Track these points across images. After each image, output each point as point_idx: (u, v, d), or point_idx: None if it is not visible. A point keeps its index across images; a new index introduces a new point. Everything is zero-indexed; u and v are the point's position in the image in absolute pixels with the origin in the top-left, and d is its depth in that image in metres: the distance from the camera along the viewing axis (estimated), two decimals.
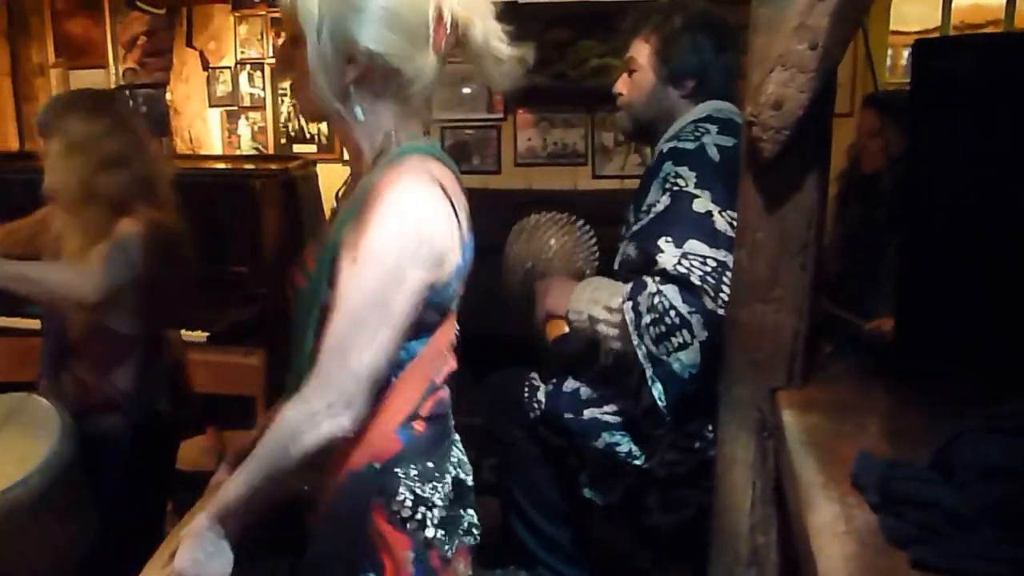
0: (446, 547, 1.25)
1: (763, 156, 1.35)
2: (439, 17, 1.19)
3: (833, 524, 0.92)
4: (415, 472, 1.24)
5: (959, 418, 1.05)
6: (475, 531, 1.32)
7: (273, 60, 3.91)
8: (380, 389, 1.21)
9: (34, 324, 3.27)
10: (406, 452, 1.24)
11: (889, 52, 3.59)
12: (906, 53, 3.56)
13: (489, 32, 1.22)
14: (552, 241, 2.11)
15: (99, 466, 1.90)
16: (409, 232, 1.15)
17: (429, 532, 1.23)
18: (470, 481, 1.33)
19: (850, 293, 2.81)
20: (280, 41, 1.27)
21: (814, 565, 0.86)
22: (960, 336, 1.36)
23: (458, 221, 1.22)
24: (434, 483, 1.25)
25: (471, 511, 1.32)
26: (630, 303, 1.73)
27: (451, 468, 1.30)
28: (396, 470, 1.23)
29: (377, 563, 1.22)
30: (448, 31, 1.21)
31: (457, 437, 1.36)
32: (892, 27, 3.53)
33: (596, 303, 1.84)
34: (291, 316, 1.32)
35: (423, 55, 1.20)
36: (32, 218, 2.22)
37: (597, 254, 2.18)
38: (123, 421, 1.98)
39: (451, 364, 1.32)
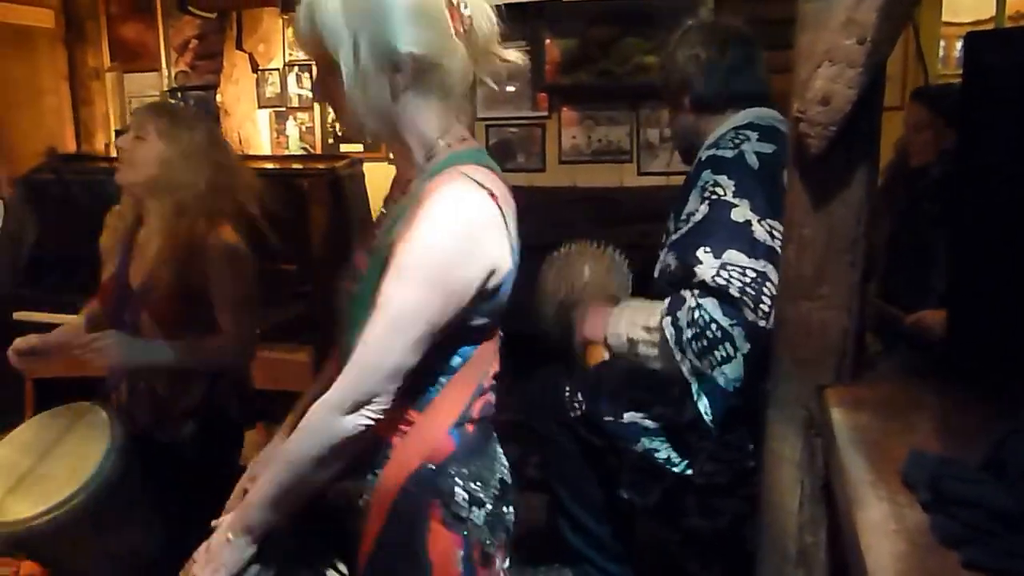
0: (489, 543, 1.28)
1: (810, 152, 1.34)
2: (450, 4, 1.19)
3: (883, 523, 0.91)
4: (467, 472, 1.27)
5: (1011, 417, 1.03)
6: (511, 527, 1.35)
7: None
8: (432, 391, 1.26)
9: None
10: (459, 452, 1.27)
11: (942, 44, 3.52)
12: (959, 45, 3.49)
13: (492, 32, 1.23)
14: (585, 270, 2.12)
15: (171, 473, 1.94)
16: (459, 240, 1.17)
17: (477, 530, 1.26)
18: (510, 479, 1.36)
19: (895, 287, 2.77)
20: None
21: (863, 564, 0.85)
22: (1012, 334, 1.34)
23: (507, 228, 1.23)
24: (483, 482, 1.28)
25: (511, 508, 1.35)
26: (669, 318, 1.71)
27: (498, 467, 1.33)
28: (450, 470, 1.26)
29: (429, 562, 1.25)
30: (462, 17, 1.20)
31: (495, 436, 1.39)
32: (944, 18, 3.46)
33: (634, 325, 1.83)
34: (340, 319, 1.34)
35: (453, 44, 1.21)
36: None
37: (630, 279, 2.18)
38: (196, 428, 2.03)
39: (496, 367, 1.34)
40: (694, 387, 1.69)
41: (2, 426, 3.08)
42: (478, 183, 1.19)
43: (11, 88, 4.27)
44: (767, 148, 1.79)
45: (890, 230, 2.89)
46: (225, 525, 1.30)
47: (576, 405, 2.02)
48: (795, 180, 1.40)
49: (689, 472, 1.85)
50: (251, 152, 4.46)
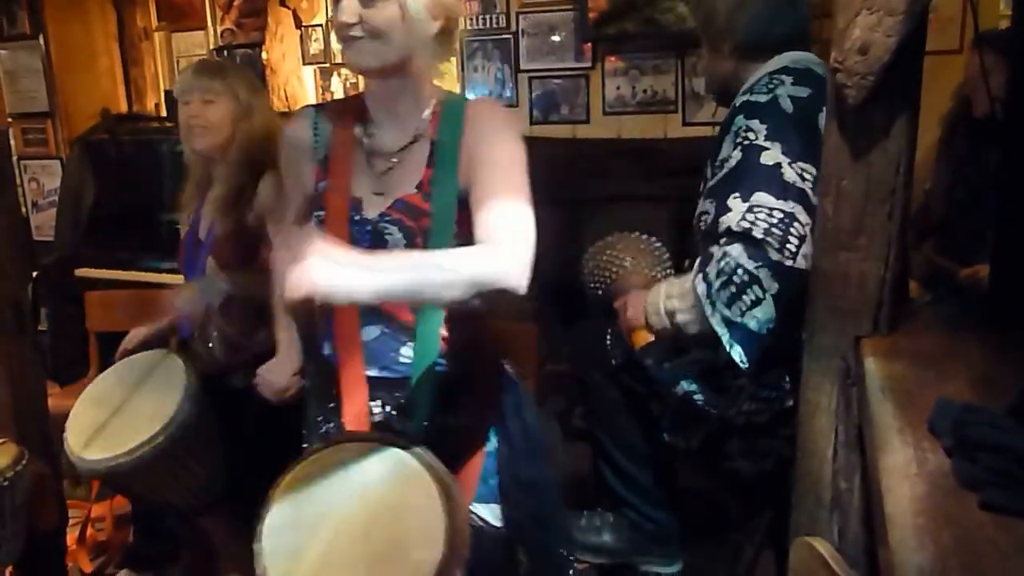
0: None
1: (848, 103, 1.33)
2: None
3: (905, 466, 0.93)
4: None
5: None
6: None
7: None
8: None
9: (155, 277, 3.50)
10: None
11: None
12: None
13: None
14: (627, 262, 2.13)
15: (239, 415, 2.07)
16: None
17: None
18: None
19: (952, 240, 2.72)
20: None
21: (883, 505, 0.88)
22: None
23: None
24: None
25: None
26: (700, 276, 1.72)
27: None
28: None
29: None
30: None
31: None
32: None
33: (670, 297, 1.84)
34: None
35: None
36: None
37: (670, 268, 2.19)
38: None
39: None
40: (725, 338, 1.70)
41: (71, 377, 3.24)
42: None
43: (66, 51, 4.37)
44: (802, 92, 1.78)
45: (948, 183, 2.83)
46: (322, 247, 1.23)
47: (617, 353, 2.05)
48: (833, 131, 1.40)
49: (728, 413, 1.88)
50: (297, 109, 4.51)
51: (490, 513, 1.55)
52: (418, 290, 1.27)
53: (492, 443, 1.57)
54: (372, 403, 1.51)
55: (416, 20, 1.40)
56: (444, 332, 1.51)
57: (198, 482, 2.09)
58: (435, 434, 1.46)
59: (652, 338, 1.94)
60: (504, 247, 1.31)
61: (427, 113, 1.51)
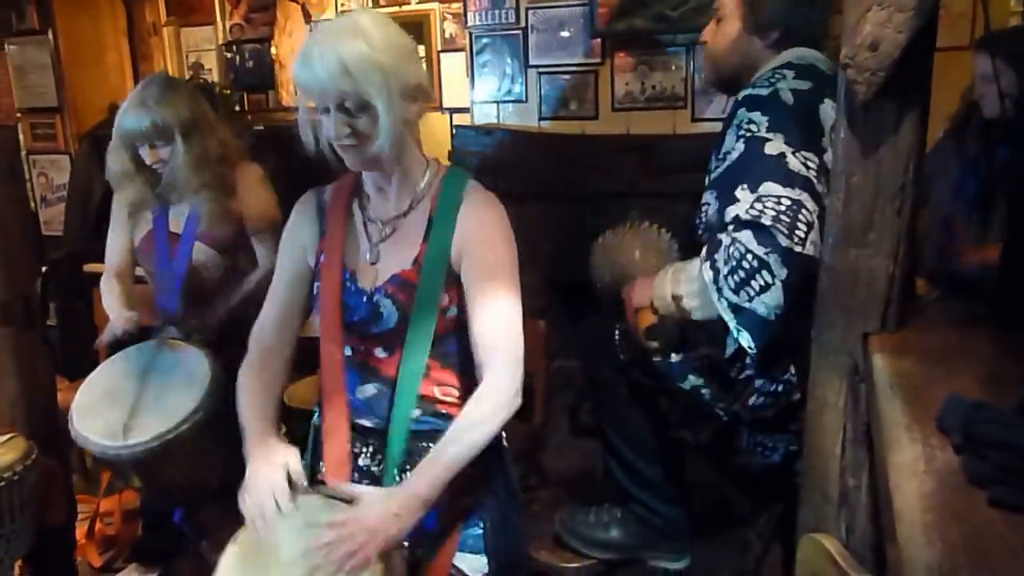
0: None
1: (859, 99, 1.33)
2: None
3: (913, 463, 0.93)
4: None
5: None
6: None
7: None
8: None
9: None
10: None
11: None
12: None
13: None
14: (636, 253, 2.14)
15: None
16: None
17: None
18: None
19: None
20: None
21: (891, 502, 0.88)
22: None
23: None
24: None
25: None
26: (707, 263, 1.72)
27: None
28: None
29: None
30: None
31: None
32: None
33: (677, 281, 1.84)
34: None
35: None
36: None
37: (677, 254, 2.19)
38: None
39: None
40: (732, 324, 1.70)
41: (80, 372, 3.24)
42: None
43: (75, 46, 4.38)
44: (803, 84, 1.79)
45: (957, 179, 2.81)
46: (395, 504, 1.41)
47: (626, 349, 2.05)
48: (843, 127, 1.40)
49: (735, 408, 1.88)
50: None
51: (469, 563, 1.61)
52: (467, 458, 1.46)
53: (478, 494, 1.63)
54: (364, 447, 1.62)
55: (396, 114, 1.44)
56: (440, 391, 1.61)
57: (209, 473, 2.15)
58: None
59: (655, 320, 1.94)
60: (508, 378, 1.49)
61: (423, 184, 1.58)
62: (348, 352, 1.60)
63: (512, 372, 1.49)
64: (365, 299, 1.56)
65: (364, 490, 1.48)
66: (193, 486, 2.19)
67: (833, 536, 1.36)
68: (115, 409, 2.10)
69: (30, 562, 2.50)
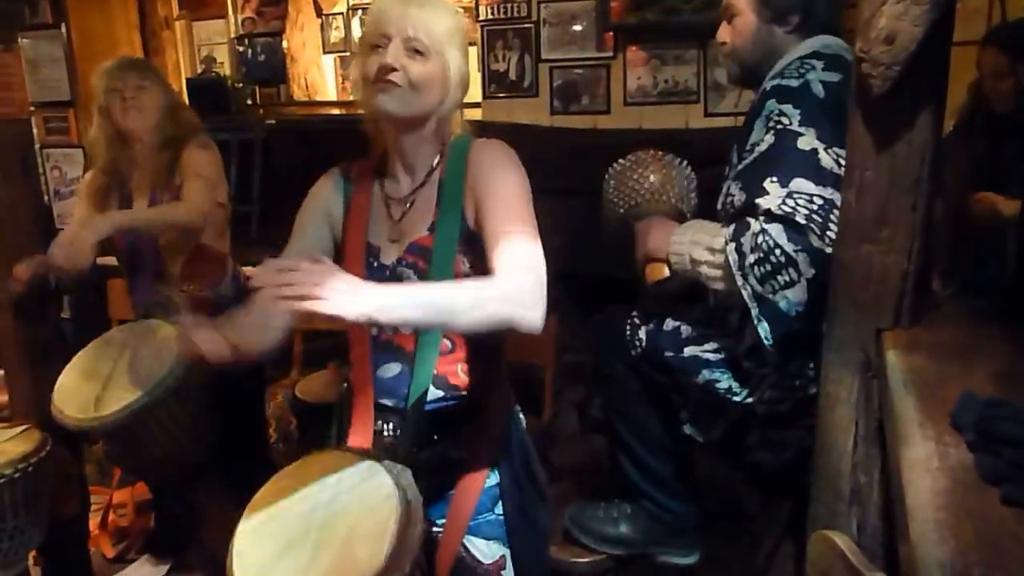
0: None
1: (873, 93, 1.32)
2: None
3: (927, 460, 0.93)
4: None
5: None
6: None
7: None
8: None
9: None
10: None
11: None
12: None
13: None
14: (651, 179, 2.07)
15: (235, 384, 2.12)
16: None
17: None
18: None
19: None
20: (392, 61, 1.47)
21: (904, 499, 0.87)
22: None
23: None
24: None
25: None
26: (733, 244, 1.72)
27: None
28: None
29: None
30: None
31: None
32: None
33: (698, 245, 1.83)
34: None
35: None
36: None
37: (695, 192, 2.13)
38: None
39: None
40: (754, 311, 1.69)
41: None
42: None
43: (88, 40, 4.40)
44: (833, 77, 1.76)
45: (964, 174, 2.80)
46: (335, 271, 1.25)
47: (637, 343, 2.04)
48: (857, 121, 1.38)
49: (750, 400, 1.87)
50: (317, 98, 4.51)
51: (481, 548, 1.62)
52: (447, 308, 1.33)
53: (493, 479, 1.64)
54: (386, 424, 1.61)
55: (450, 83, 1.50)
56: (463, 370, 1.60)
57: (176, 449, 2.20)
58: (433, 460, 1.56)
59: (667, 274, 1.92)
60: (527, 283, 1.40)
61: (436, 157, 1.60)
62: (374, 332, 1.61)
63: (532, 284, 1.40)
64: (388, 273, 1.57)
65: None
66: (171, 459, 2.20)
67: (844, 533, 1.35)
68: (89, 384, 2.14)
69: (44, 553, 2.52)
